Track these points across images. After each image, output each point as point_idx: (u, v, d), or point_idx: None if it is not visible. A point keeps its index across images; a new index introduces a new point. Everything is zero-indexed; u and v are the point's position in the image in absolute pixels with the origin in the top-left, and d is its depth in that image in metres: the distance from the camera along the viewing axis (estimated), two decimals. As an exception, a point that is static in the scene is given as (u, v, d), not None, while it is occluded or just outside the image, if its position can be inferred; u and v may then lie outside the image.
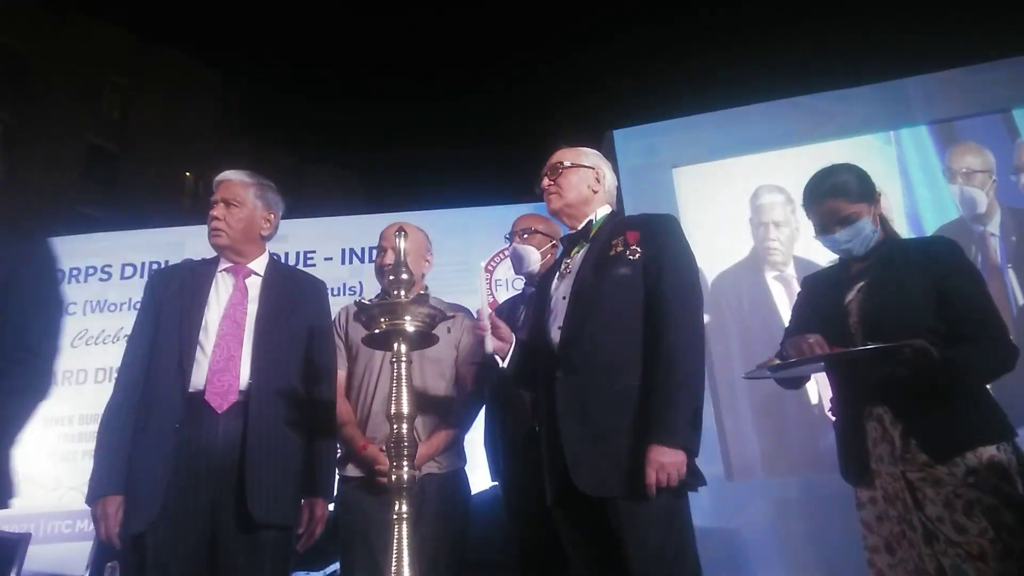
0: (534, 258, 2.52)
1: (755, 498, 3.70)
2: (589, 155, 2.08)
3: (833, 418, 1.95)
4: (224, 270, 2.10)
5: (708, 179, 4.35)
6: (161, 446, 1.84)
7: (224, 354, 1.93)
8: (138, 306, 2.12)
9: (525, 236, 2.56)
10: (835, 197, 1.90)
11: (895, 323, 1.72)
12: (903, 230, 3.88)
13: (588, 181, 2.04)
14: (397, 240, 1.44)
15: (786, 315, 4.02)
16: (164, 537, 1.77)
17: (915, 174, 4.05)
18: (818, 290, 2.03)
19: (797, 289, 4.05)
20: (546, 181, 2.05)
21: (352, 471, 2.16)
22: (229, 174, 2.15)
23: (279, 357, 1.99)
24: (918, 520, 1.63)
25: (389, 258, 2.28)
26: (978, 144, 3.99)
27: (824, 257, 4.01)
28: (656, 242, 1.89)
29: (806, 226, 4.11)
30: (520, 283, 4.53)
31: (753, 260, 4.21)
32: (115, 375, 2.03)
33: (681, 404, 1.70)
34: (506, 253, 4.68)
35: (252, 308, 2.03)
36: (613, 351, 1.79)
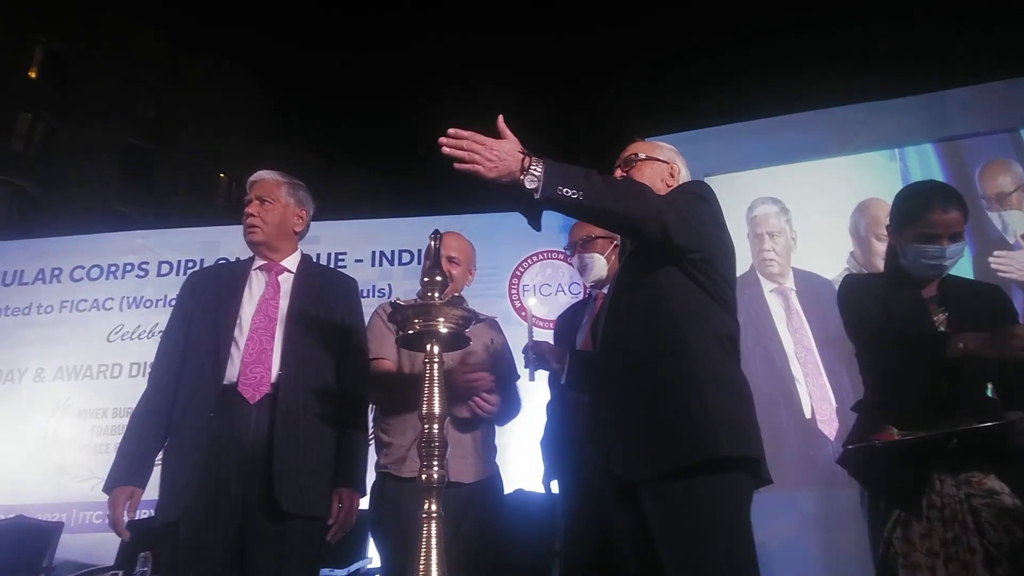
0: (600, 264, 2.47)
1: (774, 511, 3.67)
2: (665, 150, 1.97)
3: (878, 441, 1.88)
4: (258, 268, 2.15)
5: (760, 185, 4.34)
6: (195, 437, 1.89)
7: (256, 347, 1.97)
8: (173, 303, 2.19)
9: (588, 243, 2.50)
10: (960, 210, 1.84)
11: (989, 374, 1.72)
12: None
13: (662, 175, 1.92)
14: (432, 243, 1.46)
15: (784, 330, 4.07)
16: (196, 526, 1.81)
17: None
18: (897, 303, 1.89)
19: (796, 303, 4.07)
20: (619, 172, 1.95)
21: (408, 471, 2.13)
22: (262, 173, 2.22)
23: (309, 350, 2.03)
24: (979, 544, 1.64)
25: (452, 268, 2.31)
26: (1006, 159, 3.94)
27: (826, 268, 4.02)
28: None
29: (803, 236, 4.14)
30: (547, 288, 4.57)
31: (751, 274, 4.18)
32: (149, 370, 2.10)
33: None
34: (533, 259, 4.71)
35: (284, 303, 2.08)
36: (628, 335, 1.70)
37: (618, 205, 1.55)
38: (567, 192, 1.48)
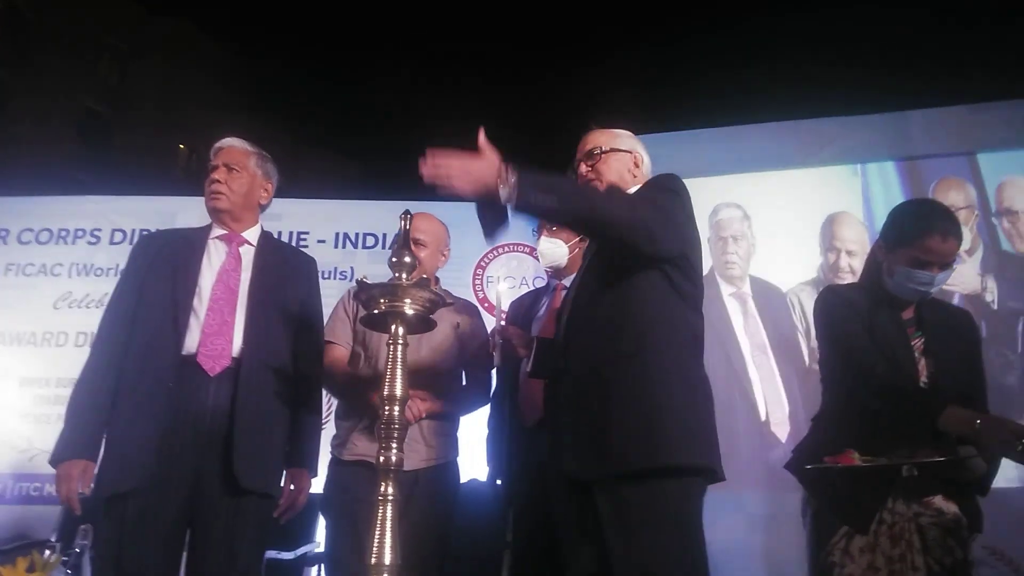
0: (560, 252, 2.48)
1: (723, 511, 3.73)
2: (625, 138, 1.95)
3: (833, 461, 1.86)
4: (217, 238, 2.08)
5: (720, 192, 4.40)
6: (151, 408, 1.83)
7: (218, 318, 1.92)
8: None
9: (553, 229, 2.50)
10: (958, 239, 1.78)
11: (959, 400, 1.69)
12: (862, 263, 4.02)
13: (627, 166, 1.90)
14: (402, 223, 1.44)
15: (741, 333, 4.16)
16: (147, 498, 1.76)
17: (878, 208, 4.13)
18: (878, 326, 1.86)
19: (752, 308, 4.15)
20: (583, 168, 1.91)
21: (347, 454, 2.17)
22: (231, 141, 2.16)
23: (271, 327, 2.00)
24: (923, 562, 1.66)
25: (418, 251, 2.28)
26: (960, 178, 4.07)
27: (783, 276, 4.11)
28: None
29: (762, 243, 4.23)
30: (511, 280, 4.56)
31: (710, 277, 4.24)
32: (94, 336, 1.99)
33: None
34: (499, 250, 4.70)
35: (245, 276, 2.03)
36: (593, 330, 1.70)
37: (599, 212, 1.54)
38: (542, 199, 1.47)
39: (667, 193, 1.70)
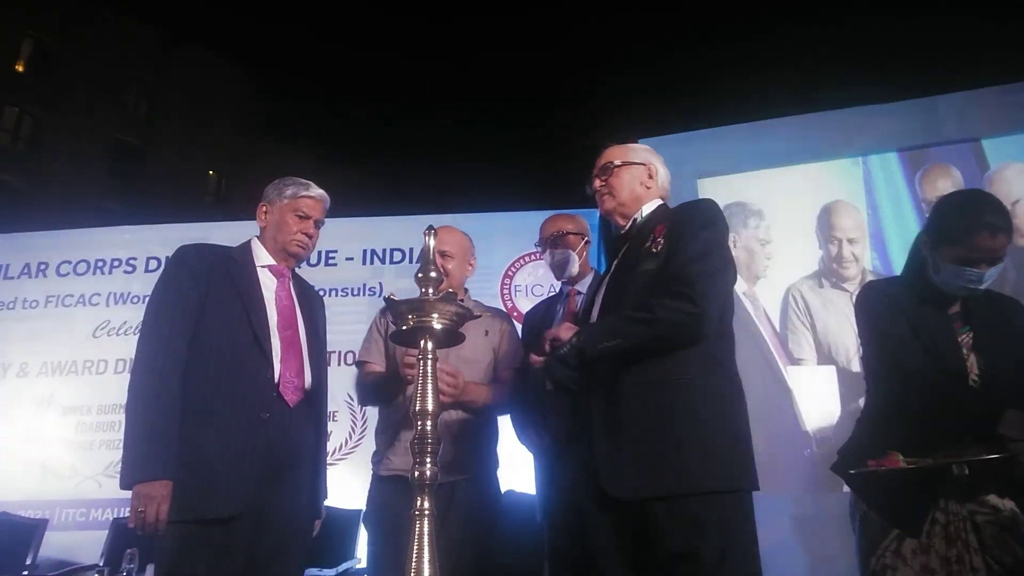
0: (575, 261, 2.53)
1: (771, 513, 3.67)
2: (639, 151, 2.00)
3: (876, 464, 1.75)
4: (265, 267, 2.11)
5: (732, 190, 4.35)
6: (248, 435, 1.86)
7: (290, 351, 1.99)
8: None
9: (558, 240, 2.54)
10: (1007, 232, 1.71)
11: (1013, 397, 1.65)
12: (867, 251, 4.03)
13: (641, 178, 1.95)
14: (426, 238, 1.44)
15: (768, 332, 4.09)
16: (249, 525, 1.82)
17: (881, 196, 4.10)
18: (924, 324, 1.79)
19: (763, 305, 4.06)
20: (597, 183, 1.97)
21: (385, 470, 2.19)
22: (327, 198, 2.23)
23: (320, 360, 2.13)
24: (982, 563, 1.61)
25: (445, 263, 2.35)
26: (944, 164, 4.00)
27: (783, 275, 4.03)
28: (678, 230, 1.78)
29: (768, 241, 4.12)
30: (539, 288, 4.56)
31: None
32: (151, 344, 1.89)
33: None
34: (526, 259, 4.69)
35: (297, 310, 2.11)
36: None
37: (655, 334, 1.65)
38: (607, 345, 1.65)
39: (716, 253, 1.75)
